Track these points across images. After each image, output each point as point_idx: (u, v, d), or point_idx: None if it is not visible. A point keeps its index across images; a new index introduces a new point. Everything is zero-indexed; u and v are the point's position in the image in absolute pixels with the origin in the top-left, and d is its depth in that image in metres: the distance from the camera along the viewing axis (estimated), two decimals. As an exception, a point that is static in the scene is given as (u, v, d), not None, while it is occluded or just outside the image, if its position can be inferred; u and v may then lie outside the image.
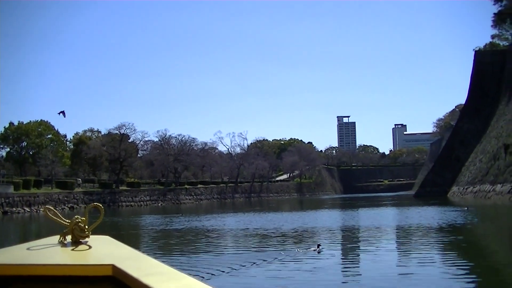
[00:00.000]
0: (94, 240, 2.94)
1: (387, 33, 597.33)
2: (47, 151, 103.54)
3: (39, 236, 3.15)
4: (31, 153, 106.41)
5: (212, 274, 14.48)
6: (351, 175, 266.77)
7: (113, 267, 2.37)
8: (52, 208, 3.04)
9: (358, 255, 19.39)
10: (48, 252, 2.71)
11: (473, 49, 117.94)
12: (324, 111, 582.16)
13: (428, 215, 39.41)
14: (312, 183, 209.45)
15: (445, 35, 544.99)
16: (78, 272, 2.43)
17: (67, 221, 2.96)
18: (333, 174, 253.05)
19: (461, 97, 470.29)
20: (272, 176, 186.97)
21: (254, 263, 16.06)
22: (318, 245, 19.93)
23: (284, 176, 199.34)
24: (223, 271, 14.79)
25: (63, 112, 55.70)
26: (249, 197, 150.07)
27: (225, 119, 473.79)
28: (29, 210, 74.17)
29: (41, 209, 73.39)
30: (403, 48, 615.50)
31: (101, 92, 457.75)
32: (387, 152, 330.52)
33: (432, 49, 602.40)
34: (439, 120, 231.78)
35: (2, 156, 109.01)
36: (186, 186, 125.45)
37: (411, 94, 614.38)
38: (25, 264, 2.48)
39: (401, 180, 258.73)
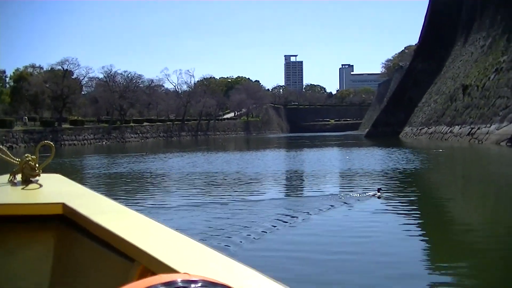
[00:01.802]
0: (45, 178, 2.90)
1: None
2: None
3: None
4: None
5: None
6: (298, 114, 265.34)
7: (64, 205, 2.38)
8: (1, 146, 3.01)
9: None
10: None
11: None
12: (271, 50, 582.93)
13: (405, 158, 35.76)
14: (259, 121, 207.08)
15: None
16: (28, 211, 2.44)
17: (17, 159, 2.90)
18: (279, 113, 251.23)
19: (410, 39, 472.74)
20: (219, 114, 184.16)
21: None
22: (379, 189, 17.09)
23: (231, 115, 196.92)
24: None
25: None
26: (195, 136, 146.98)
27: (171, 56, 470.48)
28: (-39, 148, 69.51)
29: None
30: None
31: (44, 26, 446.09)
32: (334, 92, 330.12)
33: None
34: (387, 61, 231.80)
35: None
36: (132, 124, 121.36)
37: (359, 35, 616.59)
38: None
39: (348, 120, 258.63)
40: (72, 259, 2.39)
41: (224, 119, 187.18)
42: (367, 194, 17.02)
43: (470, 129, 61.69)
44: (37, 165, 2.89)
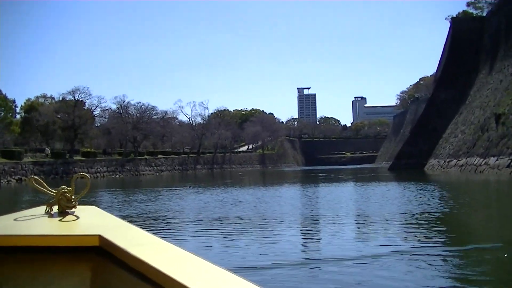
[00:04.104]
0: (81, 210, 2.93)
1: (349, 4, 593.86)
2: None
3: None
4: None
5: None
6: (313, 147, 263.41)
7: (100, 237, 2.39)
8: (37, 178, 2.91)
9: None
10: (34, 223, 2.70)
11: (446, 18, 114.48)
12: (285, 82, 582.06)
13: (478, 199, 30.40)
14: (275, 154, 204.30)
15: (409, 7, 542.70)
16: (64, 242, 2.44)
17: (53, 191, 2.89)
18: (295, 146, 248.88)
19: (425, 70, 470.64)
20: (234, 147, 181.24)
21: None
22: None
23: (245, 147, 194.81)
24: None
25: None
26: (211, 169, 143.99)
27: (185, 88, 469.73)
28: (-33, 182, 66.11)
29: (26, 179, 67.53)
30: (365, 20, 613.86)
31: (56, 56, 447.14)
32: (348, 124, 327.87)
33: (394, 21, 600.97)
34: (402, 92, 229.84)
35: None
36: (146, 156, 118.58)
37: (371, 67, 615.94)
38: (11, 234, 2.47)
39: (363, 153, 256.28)
40: None
41: (240, 151, 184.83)
42: None
43: (509, 161, 57.66)
44: (73, 196, 2.88)
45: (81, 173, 3.17)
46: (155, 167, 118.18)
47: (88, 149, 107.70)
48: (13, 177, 75.38)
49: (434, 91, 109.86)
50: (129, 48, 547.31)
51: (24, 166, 79.67)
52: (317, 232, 18.11)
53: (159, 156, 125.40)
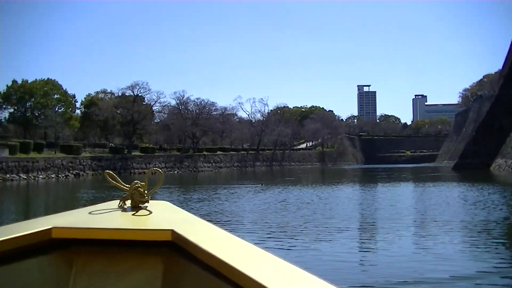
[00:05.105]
0: (153, 205, 2.96)
1: (409, 1, 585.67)
2: (52, 112, 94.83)
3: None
4: (36, 114, 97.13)
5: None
6: (373, 145, 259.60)
7: (173, 232, 2.43)
8: (111, 172, 3.01)
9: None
10: (108, 217, 2.77)
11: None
12: (344, 80, 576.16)
13: None
14: (334, 152, 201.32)
15: (471, 2, 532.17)
16: (138, 236, 2.52)
17: (127, 186, 2.95)
18: (354, 144, 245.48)
19: (488, 67, 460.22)
20: (294, 144, 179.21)
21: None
22: None
23: (304, 145, 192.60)
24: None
25: None
26: (270, 166, 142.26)
27: (244, 85, 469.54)
28: (25, 177, 65.61)
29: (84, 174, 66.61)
30: (426, 17, 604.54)
31: (116, 54, 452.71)
32: (408, 123, 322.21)
33: (455, 17, 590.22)
34: (465, 90, 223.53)
35: (5, 117, 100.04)
36: (205, 152, 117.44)
37: (432, 65, 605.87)
38: (87, 227, 2.55)
39: (424, 152, 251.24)
40: (181, 285, 2.38)
41: (299, 149, 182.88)
42: None
43: None
44: (146, 191, 2.89)
45: (155, 168, 3.17)
46: (213, 164, 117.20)
47: (147, 145, 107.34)
48: (71, 171, 75.03)
49: (501, 88, 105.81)
50: (189, 45, 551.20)
51: (82, 161, 79.37)
52: (394, 245, 15.58)
53: (218, 152, 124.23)
